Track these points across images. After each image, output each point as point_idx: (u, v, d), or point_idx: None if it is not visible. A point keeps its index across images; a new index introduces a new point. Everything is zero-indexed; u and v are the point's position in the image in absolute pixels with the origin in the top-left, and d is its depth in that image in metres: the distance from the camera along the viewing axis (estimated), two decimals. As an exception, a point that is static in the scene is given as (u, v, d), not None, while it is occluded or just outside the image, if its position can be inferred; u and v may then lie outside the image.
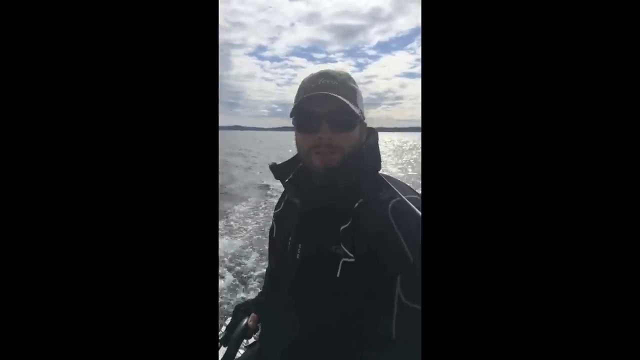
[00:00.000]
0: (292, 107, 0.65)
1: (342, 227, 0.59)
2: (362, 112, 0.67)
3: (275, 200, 0.87)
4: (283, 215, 0.78)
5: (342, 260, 0.58)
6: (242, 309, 0.86)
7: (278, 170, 0.73)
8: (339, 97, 0.60)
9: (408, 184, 0.67)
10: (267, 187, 8.01)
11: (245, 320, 0.84)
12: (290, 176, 0.72)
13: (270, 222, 0.82)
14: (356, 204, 0.60)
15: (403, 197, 0.59)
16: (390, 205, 0.58)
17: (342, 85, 0.64)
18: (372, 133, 0.71)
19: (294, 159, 0.74)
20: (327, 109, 0.62)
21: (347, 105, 0.60)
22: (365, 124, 0.69)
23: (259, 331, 0.83)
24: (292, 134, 0.69)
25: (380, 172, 0.69)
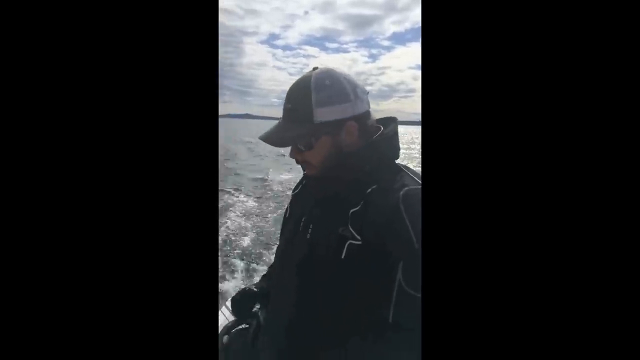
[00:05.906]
0: None
1: (351, 210, 0.61)
2: (344, 112, 0.64)
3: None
4: (299, 196, 0.81)
5: (348, 242, 0.59)
6: (248, 293, 0.88)
7: None
8: (277, 140, 0.65)
9: None
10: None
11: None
12: None
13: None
14: (369, 190, 0.61)
15: (418, 185, 0.59)
16: (401, 193, 0.58)
17: (297, 106, 0.65)
18: (392, 122, 0.71)
19: None
20: None
21: (290, 140, 0.65)
22: (353, 124, 0.65)
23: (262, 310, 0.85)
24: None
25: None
